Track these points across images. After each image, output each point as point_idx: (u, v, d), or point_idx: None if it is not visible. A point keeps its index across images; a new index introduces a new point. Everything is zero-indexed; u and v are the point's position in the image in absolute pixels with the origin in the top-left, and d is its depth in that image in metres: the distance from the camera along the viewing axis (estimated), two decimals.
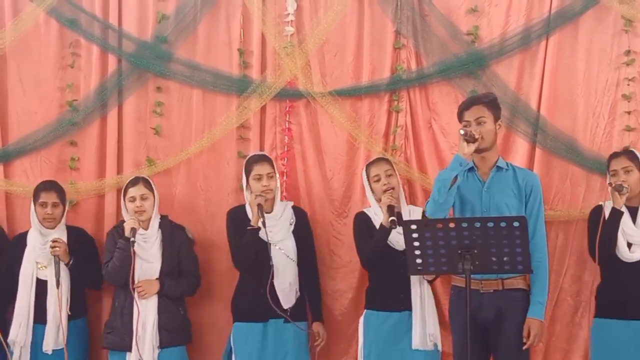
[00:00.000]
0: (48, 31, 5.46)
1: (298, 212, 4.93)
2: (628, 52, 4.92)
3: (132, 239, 4.64)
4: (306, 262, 4.86)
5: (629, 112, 4.92)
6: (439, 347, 4.62)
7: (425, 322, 4.55)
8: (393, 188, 4.66)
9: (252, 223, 4.65)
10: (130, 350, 4.68)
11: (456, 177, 4.05)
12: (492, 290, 4.09)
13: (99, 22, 5.40)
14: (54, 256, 4.79)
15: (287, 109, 5.28)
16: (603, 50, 4.97)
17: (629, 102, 4.92)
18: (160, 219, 4.94)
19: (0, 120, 5.45)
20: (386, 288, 4.64)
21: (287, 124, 5.28)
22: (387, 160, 4.80)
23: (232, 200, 5.27)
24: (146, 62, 5.33)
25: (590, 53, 4.98)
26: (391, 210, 4.53)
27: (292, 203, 4.96)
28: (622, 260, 4.43)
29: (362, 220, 4.79)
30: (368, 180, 4.78)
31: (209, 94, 5.34)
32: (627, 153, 4.57)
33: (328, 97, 5.15)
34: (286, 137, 5.27)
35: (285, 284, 4.69)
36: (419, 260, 3.67)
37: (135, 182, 4.90)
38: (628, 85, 4.92)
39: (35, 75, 5.45)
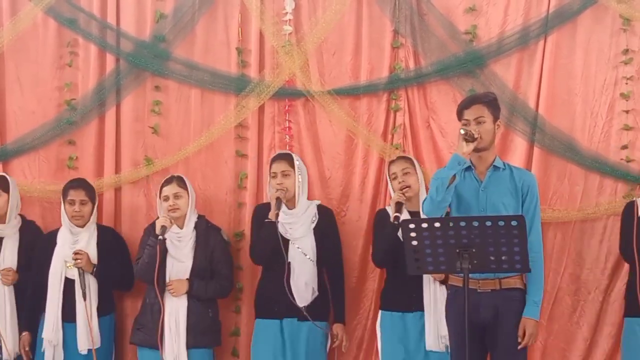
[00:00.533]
0: (46, 30, 5.46)
1: (323, 210, 4.92)
2: (626, 51, 4.92)
3: (160, 237, 4.65)
4: (330, 262, 4.85)
5: (627, 111, 4.92)
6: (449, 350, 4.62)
7: (438, 324, 4.52)
8: (409, 186, 4.65)
9: (269, 216, 4.66)
10: (157, 347, 4.68)
11: (454, 176, 4.06)
12: (489, 290, 4.08)
13: (97, 22, 5.40)
14: (78, 268, 4.81)
15: (287, 107, 5.28)
16: (601, 49, 4.96)
17: (627, 101, 4.92)
18: (198, 218, 4.94)
19: None
20: (399, 288, 4.65)
21: (287, 123, 5.28)
22: (407, 159, 4.80)
23: (231, 200, 5.28)
24: (144, 61, 5.33)
25: (588, 52, 4.98)
26: (399, 207, 4.53)
27: (318, 202, 4.96)
28: None
29: (379, 217, 4.81)
30: (389, 177, 4.79)
31: (207, 93, 5.34)
32: None
33: (326, 96, 5.15)
34: (287, 136, 5.27)
35: (301, 282, 4.68)
36: (417, 259, 3.67)
37: (169, 181, 4.92)
38: (626, 84, 4.93)
39: (33, 75, 5.46)
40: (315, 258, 4.76)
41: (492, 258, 3.60)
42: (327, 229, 4.87)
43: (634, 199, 4.61)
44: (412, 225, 3.62)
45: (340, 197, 5.21)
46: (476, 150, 4.09)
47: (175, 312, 4.73)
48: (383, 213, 4.81)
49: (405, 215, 4.57)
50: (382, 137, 5.16)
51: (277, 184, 4.74)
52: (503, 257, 3.60)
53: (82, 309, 4.81)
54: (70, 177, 5.31)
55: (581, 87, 4.98)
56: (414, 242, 3.63)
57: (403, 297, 4.64)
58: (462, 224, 3.56)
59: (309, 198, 5.09)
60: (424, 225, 3.62)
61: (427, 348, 4.54)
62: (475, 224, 3.55)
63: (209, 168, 5.33)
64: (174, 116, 5.39)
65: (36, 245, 5.05)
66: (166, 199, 4.85)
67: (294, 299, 4.64)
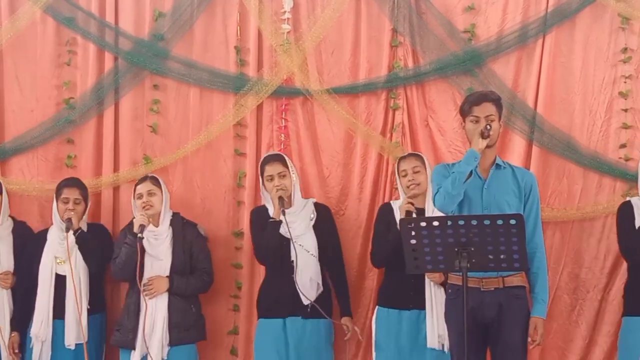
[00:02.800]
0: (45, 29, 5.45)
1: (320, 207, 4.93)
2: (625, 50, 4.93)
3: (139, 235, 4.64)
4: (331, 258, 4.86)
5: (625, 110, 4.92)
6: (446, 349, 4.59)
7: (437, 322, 4.53)
8: (418, 184, 4.66)
9: (273, 216, 4.69)
10: (133, 348, 4.68)
11: (471, 171, 4.07)
12: (492, 289, 4.09)
13: (96, 20, 5.40)
14: (67, 219, 4.83)
15: (284, 106, 5.28)
16: (600, 48, 4.97)
17: (625, 99, 4.92)
18: (172, 216, 4.94)
19: None
20: (397, 286, 4.66)
21: (283, 122, 5.28)
22: (418, 157, 4.79)
23: (229, 198, 5.28)
24: (143, 60, 5.33)
25: (587, 51, 4.98)
26: (409, 215, 4.53)
27: (314, 199, 4.97)
28: None
29: (383, 212, 4.80)
30: (398, 174, 4.79)
31: (205, 92, 5.34)
32: None
33: (325, 94, 5.15)
34: (282, 134, 5.27)
35: (306, 279, 4.68)
36: (415, 258, 3.67)
37: (143, 179, 4.93)
38: (625, 82, 4.93)
39: (31, 73, 5.45)
40: (317, 254, 4.77)
41: (490, 257, 3.60)
42: (325, 226, 4.88)
43: (628, 198, 4.61)
44: (410, 225, 3.63)
45: (339, 196, 5.21)
46: None
47: (157, 310, 4.72)
48: (387, 208, 4.80)
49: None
50: (381, 136, 5.16)
51: (276, 185, 4.73)
52: (502, 256, 3.60)
53: (72, 304, 4.79)
54: (68, 176, 5.31)
55: (580, 85, 4.98)
56: (413, 241, 3.63)
57: (401, 295, 4.65)
58: (461, 222, 3.57)
59: (306, 196, 5.11)
60: (423, 224, 3.62)
61: (429, 345, 4.54)
62: (474, 222, 3.55)
63: (208, 167, 5.33)
64: (173, 115, 5.39)
65: (27, 244, 5.05)
66: (140, 196, 4.86)
67: (299, 297, 4.64)
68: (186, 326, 4.79)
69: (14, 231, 5.08)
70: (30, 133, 5.38)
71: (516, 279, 4.11)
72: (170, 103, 5.39)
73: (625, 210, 4.55)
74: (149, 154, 5.35)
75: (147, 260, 4.77)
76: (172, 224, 4.91)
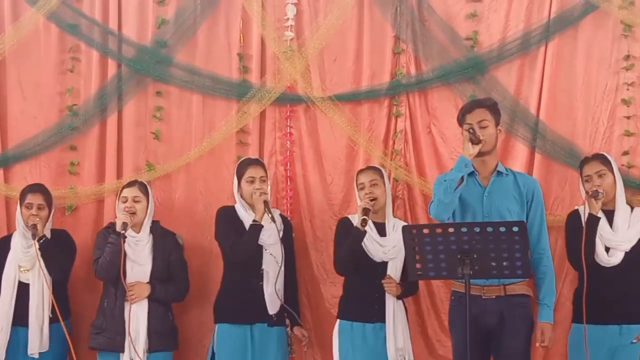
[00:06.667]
0: (48, 36, 5.46)
1: (284, 220, 4.94)
2: (627, 57, 4.93)
3: (122, 232, 4.64)
4: (288, 270, 4.85)
5: (628, 117, 4.93)
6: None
7: (397, 336, 4.52)
8: (376, 198, 4.64)
9: (257, 219, 4.66)
10: (122, 351, 4.67)
11: (462, 177, 4.06)
12: (494, 297, 4.08)
13: (99, 27, 5.41)
14: (32, 226, 4.77)
15: (288, 113, 5.29)
16: (602, 55, 4.97)
17: (628, 107, 4.93)
18: (152, 224, 4.94)
19: None
20: (360, 299, 4.63)
21: (288, 129, 5.29)
22: (376, 170, 4.77)
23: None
24: (146, 67, 5.33)
25: (589, 58, 4.99)
26: (366, 212, 4.53)
27: (279, 211, 4.98)
28: (601, 265, 4.37)
29: (342, 225, 4.76)
30: (357, 187, 4.78)
31: (208, 99, 5.35)
32: (599, 157, 4.53)
33: (328, 101, 5.16)
34: (288, 141, 5.28)
35: (272, 289, 4.69)
36: (418, 265, 3.67)
37: (131, 184, 4.93)
38: (627, 90, 4.93)
39: (35, 80, 5.46)
40: (283, 266, 4.75)
41: (493, 264, 3.60)
42: (288, 240, 4.90)
43: (576, 207, 4.60)
44: (413, 231, 3.63)
45: (342, 203, 5.21)
46: (479, 154, 4.10)
47: (139, 315, 4.73)
48: (346, 221, 4.76)
49: (369, 225, 4.58)
50: (384, 143, 5.18)
51: (257, 188, 4.72)
52: (504, 263, 3.60)
53: (35, 313, 4.79)
54: (71, 183, 5.33)
55: (582, 92, 4.99)
56: (416, 248, 3.63)
57: (365, 308, 4.61)
58: (464, 229, 3.57)
59: (310, 203, 5.12)
60: (425, 231, 3.62)
61: None
62: (477, 229, 3.56)
63: (210, 173, 5.34)
64: (176, 121, 5.40)
65: None
66: (124, 200, 4.86)
67: (265, 305, 4.67)
68: (164, 333, 4.81)
69: None
70: (33, 140, 5.39)
71: (519, 287, 4.10)
72: (173, 110, 5.40)
73: (574, 218, 4.53)
74: (152, 160, 5.36)
75: (128, 265, 4.76)
76: (152, 231, 4.92)
